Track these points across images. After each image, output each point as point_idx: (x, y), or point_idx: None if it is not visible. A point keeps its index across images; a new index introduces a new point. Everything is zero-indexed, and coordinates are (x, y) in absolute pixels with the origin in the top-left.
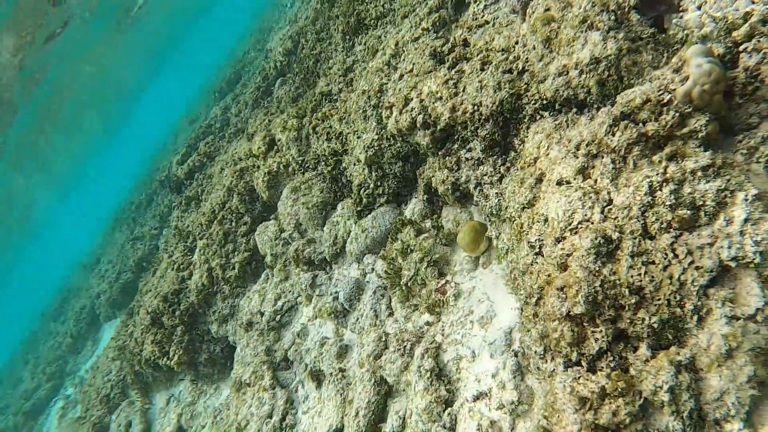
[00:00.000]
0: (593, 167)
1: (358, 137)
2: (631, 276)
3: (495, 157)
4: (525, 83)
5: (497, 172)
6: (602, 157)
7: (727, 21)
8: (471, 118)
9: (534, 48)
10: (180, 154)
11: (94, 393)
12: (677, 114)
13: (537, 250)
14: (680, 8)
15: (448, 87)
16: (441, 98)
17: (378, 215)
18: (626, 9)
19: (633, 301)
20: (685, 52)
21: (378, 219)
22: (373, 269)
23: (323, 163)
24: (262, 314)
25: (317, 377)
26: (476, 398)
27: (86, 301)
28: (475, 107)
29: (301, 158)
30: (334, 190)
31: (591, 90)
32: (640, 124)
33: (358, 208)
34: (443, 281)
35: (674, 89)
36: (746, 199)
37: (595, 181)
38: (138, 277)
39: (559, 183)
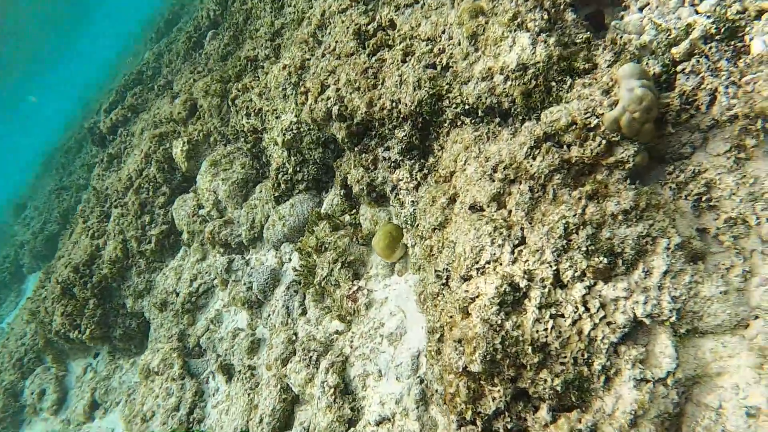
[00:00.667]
0: (509, 194)
1: (276, 117)
2: (537, 331)
3: (413, 161)
4: (447, 83)
5: (413, 178)
6: (520, 184)
7: (668, 34)
8: (389, 116)
9: (459, 43)
10: (108, 101)
11: (7, 356)
12: (604, 141)
13: (444, 281)
14: (623, 2)
15: (367, 77)
16: (359, 89)
17: (296, 203)
18: (561, 7)
19: (536, 360)
20: (618, 71)
21: (296, 207)
22: (290, 259)
23: (242, 139)
24: (177, 294)
25: (228, 371)
26: (379, 423)
27: (10, 249)
28: (394, 104)
29: (223, 128)
30: (256, 167)
31: (516, 100)
32: (564, 148)
33: (276, 194)
34: (355, 287)
35: (602, 113)
36: (668, 248)
37: (510, 212)
38: (63, 230)
39: (472, 208)
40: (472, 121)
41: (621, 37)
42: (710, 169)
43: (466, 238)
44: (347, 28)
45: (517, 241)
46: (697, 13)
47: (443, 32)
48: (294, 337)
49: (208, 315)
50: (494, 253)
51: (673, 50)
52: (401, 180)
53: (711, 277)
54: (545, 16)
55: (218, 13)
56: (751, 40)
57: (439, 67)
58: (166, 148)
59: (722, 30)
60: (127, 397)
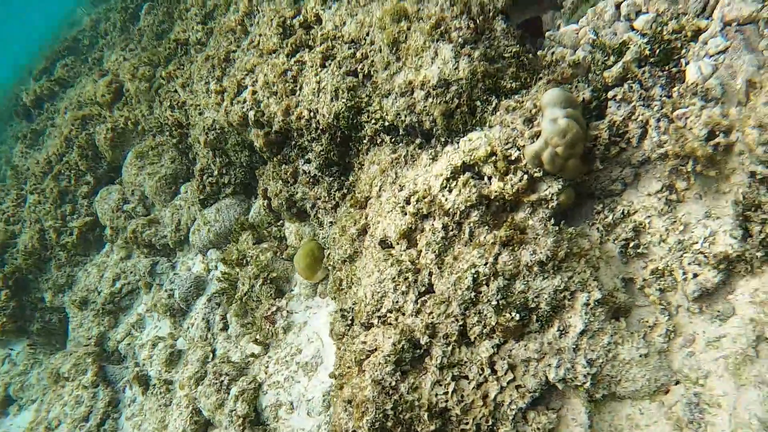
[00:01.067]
0: (422, 231)
1: (200, 113)
2: (436, 395)
3: (332, 178)
4: (367, 95)
5: (332, 198)
6: (433, 220)
7: (603, 52)
8: (307, 126)
9: (380, 50)
10: (38, 69)
11: None
12: (526, 176)
13: (349, 322)
14: (561, 6)
15: (285, 80)
16: (276, 93)
17: (222, 208)
18: (490, 15)
19: (433, 427)
20: (542, 98)
21: (222, 212)
22: (216, 266)
23: (167, 133)
24: (99, 293)
25: (145, 381)
26: None
27: None
28: (312, 114)
29: (152, 117)
30: (186, 163)
31: (436, 121)
32: (485, 180)
33: (201, 196)
34: (274, 308)
35: (523, 145)
36: (587, 304)
37: (420, 253)
38: None
39: (382, 243)
40: (392, 139)
41: (553, 52)
42: (640, 210)
43: (369, 280)
44: (272, 20)
45: (423, 288)
46: (632, 29)
47: (367, 34)
48: (211, 356)
49: (130, 319)
50: (397, 301)
51: (606, 74)
52: (319, 199)
53: (632, 337)
54: (471, 25)
55: None
56: (686, 64)
57: (360, 75)
58: (89, 133)
59: (657, 52)
60: (43, 396)
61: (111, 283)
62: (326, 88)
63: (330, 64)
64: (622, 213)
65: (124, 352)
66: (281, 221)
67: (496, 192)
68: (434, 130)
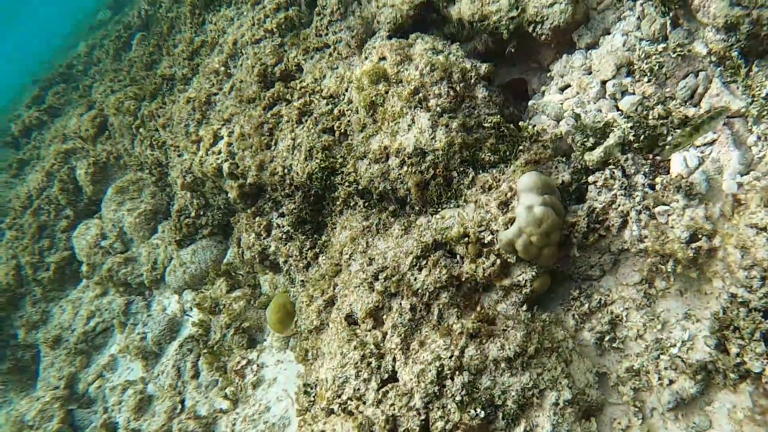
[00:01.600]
0: (390, 310)
1: (179, 155)
2: None
3: (305, 237)
4: (342, 156)
5: (304, 257)
6: (402, 299)
7: (584, 132)
8: (281, 182)
9: (357, 111)
10: (31, 97)
11: None
12: (499, 261)
13: (312, 399)
14: (548, 71)
15: (261, 133)
16: (252, 147)
17: (199, 249)
18: (472, 81)
19: None
20: (518, 181)
21: (198, 254)
22: (192, 308)
23: (147, 171)
24: (72, 331)
25: (113, 430)
26: None
27: None
28: (286, 170)
29: (133, 154)
30: (166, 199)
31: (410, 190)
32: (457, 258)
33: (178, 237)
34: (244, 361)
35: (497, 230)
36: (556, 404)
37: (385, 335)
38: None
39: (348, 318)
40: (366, 203)
41: (534, 125)
42: (618, 301)
43: (332, 364)
44: (254, 66)
45: (386, 375)
46: (617, 109)
47: (346, 90)
48: (179, 407)
49: (102, 360)
50: (359, 389)
51: (587, 156)
52: (291, 257)
53: None
54: (451, 93)
55: (150, 13)
56: (672, 153)
57: (337, 133)
58: (71, 167)
59: (641, 137)
60: None
61: (85, 321)
62: (301, 146)
63: (306, 121)
64: (599, 302)
65: (94, 395)
66: (254, 269)
67: (467, 274)
68: (408, 198)
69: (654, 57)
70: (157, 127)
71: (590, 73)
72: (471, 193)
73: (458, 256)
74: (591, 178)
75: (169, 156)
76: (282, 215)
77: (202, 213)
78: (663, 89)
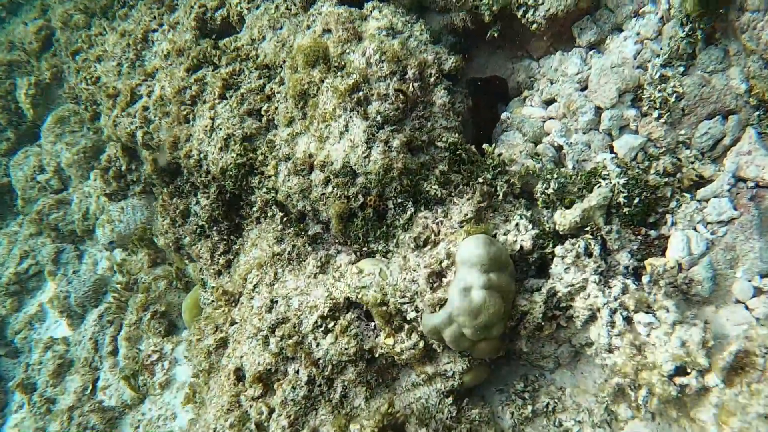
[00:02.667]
0: (284, 376)
1: (108, 96)
2: None
3: (218, 238)
4: (262, 154)
5: (215, 262)
6: (299, 366)
7: (560, 179)
8: (197, 169)
9: (286, 98)
10: None
11: None
12: (422, 343)
13: None
14: (538, 64)
15: (180, 101)
16: (168, 114)
17: (128, 208)
18: (431, 80)
19: None
20: (458, 250)
21: (127, 213)
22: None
23: (83, 106)
24: (5, 269)
25: (32, 390)
26: None
27: None
28: (202, 155)
29: (66, 85)
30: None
31: (332, 220)
32: (372, 326)
33: (107, 190)
34: (156, 355)
35: (422, 310)
36: None
37: (272, 412)
38: None
39: (237, 373)
40: (285, 217)
41: (501, 153)
42: (571, 409)
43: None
44: (191, 7)
45: None
46: (611, 150)
47: (284, 62)
48: (90, 387)
49: (31, 308)
50: None
51: (559, 217)
52: (201, 258)
53: None
54: (401, 96)
55: None
56: (671, 226)
57: (265, 119)
58: (14, 83)
59: (635, 200)
60: None
61: (18, 261)
62: (220, 130)
63: (231, 97)
64: (547, 407)
65: (20, 345)
66: None
67: (382, 349)
68: (330, 225)
69: (672, 83)
70: (91, 57)
71: (584, 90)
72: (404, 239)
73: (364, 322)
74: (559, 250)
75: (101, 97)
76: (198, 203)
77: (133, 168)
78: (676, 131)
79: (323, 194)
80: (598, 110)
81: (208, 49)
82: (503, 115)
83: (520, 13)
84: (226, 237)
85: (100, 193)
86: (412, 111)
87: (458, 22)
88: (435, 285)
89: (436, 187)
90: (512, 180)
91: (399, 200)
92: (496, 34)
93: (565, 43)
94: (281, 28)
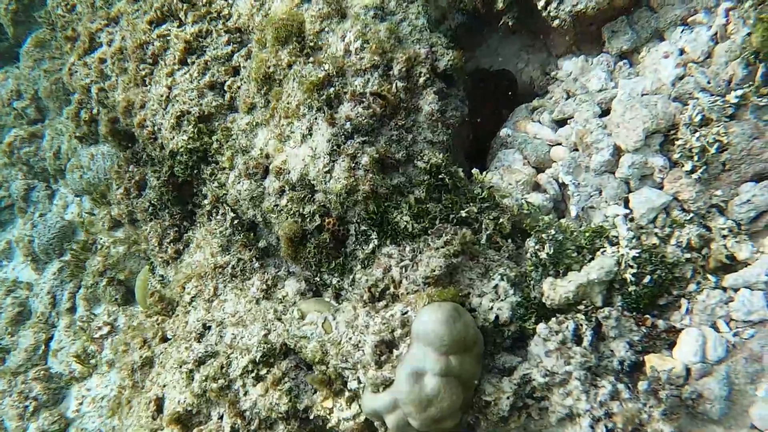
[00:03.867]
0: (198, 427)
1: (68, 39)
2: None
3: (168, 223)
4: (218, 141)
5: (163, 250)
6: (223, 413)
7: (557, 233)
8: (150, 140)
9: (249, 79)
10: None
11: None
12: (362, 418)
13: None
14: (556, 55)
15: (140, 59)
16: (126, 71)
17: (98, 155)
18: (420, 81)
19: None
20: (415, 322)
21: (98, 160)
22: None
23: (60, 35)
24: None
25: None
26: None
27: None
28: (156, 128)
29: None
30: None
31: (281, 242)
32: (299, 374)
33: (77, 133)
34: (107, 328)
35: (364, 386)
36: None
37: None
38: None
39: (158, 402)
40: (234, 220)
41: (491, 183)
42: None
43: None
44: None
45: None
46: (626, 204)
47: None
48: (43, 347)
49: (0, 245)
50: None
51: (549, 289)
52: (150, 240)
53: None
54: (379, 100)
55: None
56: (685, 317)
57: (228, 96)
58: None
59: (644, 279)
60: None
61: None
62: (174, 104)
63: (193, 64)
64: None
65: None
66: None
67: (319, 411)
68: (279, 245)
69: (715, 129)
70: None
71: (604, 115)
72: (360, 281)
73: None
74: (542, 329)
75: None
76: (149, 182)
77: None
78: (711, 191)
79: (276, 205)
80: (617, 151)
81: (174, 1)
82: (503, 132)
83: (540, 3)
84: (177, 223)
85: (71, 134)
86: (391, 118)
87: (469, 1)
88: (383, 358)
89: (407, 218)
90: (502, 220)
91: (362, 227)
92: (510, 23)
93: (591, 45)
94: None
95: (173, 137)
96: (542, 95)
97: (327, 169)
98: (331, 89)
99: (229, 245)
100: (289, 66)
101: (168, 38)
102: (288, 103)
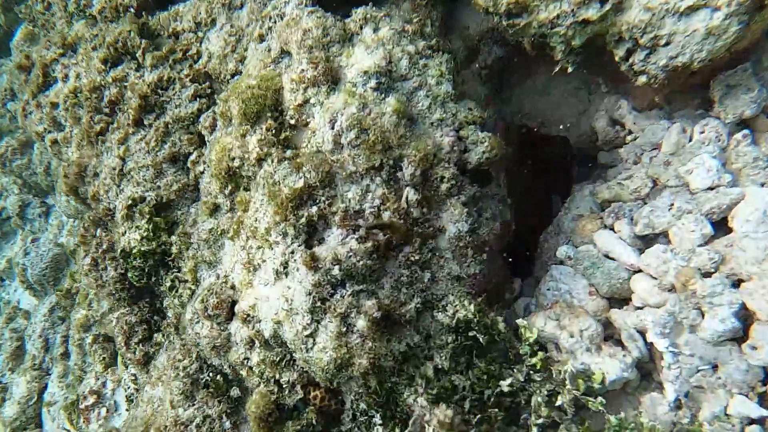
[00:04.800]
0: None
1: (21, 69)
2: None
3: (135, 319)
4: (177, 246)
5: (130, 350)
6: None
7: None
8: (107, 216)
9: (215, 177)
10: None
11: None
12: None
13: None
14: (634, 108)
15: (94, 107)
16: (80, 121)
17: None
18: (442, 187)
19: None
20: None
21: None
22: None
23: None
24: None
25: None
26: None
27: None
28: (111, 205)
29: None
30: None
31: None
32: None
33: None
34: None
35: None
36: None
37: None
38: None
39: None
40: (196, 367)
41: (544, 327)
42: None
43: None
44: None
45: None
46: (761, 401)
47: (236, 73)
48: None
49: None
50: None
51: None
52: (117, 338)
53: None
54: (383, 232)
55: None
56: None
57: (192, 173)
58: None
59: None
60: None
61: None
62: (127, 182)
63: (150, 127)
64: None
65: None
66: None
67: None
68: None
69: None
70: None
71: (717, 235)
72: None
73: None
74: None
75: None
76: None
77: None
78: None
79: (247, 359)
80: (747, 311)
81: (131, 36)
82: (562, 251)
83: (619, 53)
84: (147, 317)
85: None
86: (400, 249)
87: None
88: None
89: (424, 400)
90: (557, 398)
91: (361, 406)
92: (570, 69)
93: (689, 101)
94: (241, 7)
95: (125, 232)
96: (610, 163)
97: (308, 332)
98: (314, 208)
99: (194, 393)
100: (260, 161)
101: (126, 83)
102: (256, 221)
